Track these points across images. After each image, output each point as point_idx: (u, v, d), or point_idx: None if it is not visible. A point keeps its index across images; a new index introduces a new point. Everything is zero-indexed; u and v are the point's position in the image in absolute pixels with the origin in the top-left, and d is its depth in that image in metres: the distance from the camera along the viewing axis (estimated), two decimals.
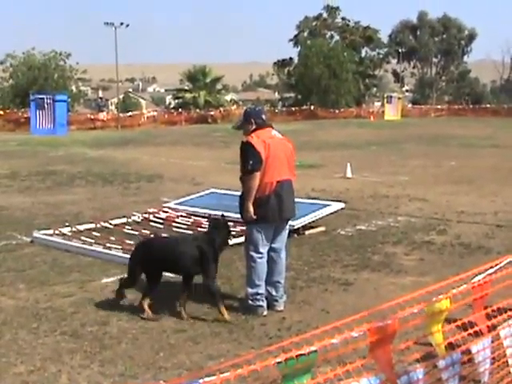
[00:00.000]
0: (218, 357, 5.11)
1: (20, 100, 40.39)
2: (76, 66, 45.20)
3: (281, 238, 6.35)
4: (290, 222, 6.81)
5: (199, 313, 6.12)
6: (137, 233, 9.31)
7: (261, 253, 6.17)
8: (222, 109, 47.79)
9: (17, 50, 43.11)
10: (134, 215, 10.44)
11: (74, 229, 9.46)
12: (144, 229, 9.52)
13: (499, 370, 4.02)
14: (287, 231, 6.51)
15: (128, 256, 7.82)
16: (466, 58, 75.45)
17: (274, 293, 6.30)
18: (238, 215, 6.36)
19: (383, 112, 49.81)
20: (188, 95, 53.59)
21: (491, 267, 4.80)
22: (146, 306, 6.00)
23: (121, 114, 43.11)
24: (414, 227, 10.01)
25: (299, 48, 61.27)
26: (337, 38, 64.30)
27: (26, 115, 35.94)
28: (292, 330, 5.66)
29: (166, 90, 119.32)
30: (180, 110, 47.18)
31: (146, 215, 10.47)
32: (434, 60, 75.21)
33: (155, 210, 10.69)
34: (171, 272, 6.40)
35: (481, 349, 3.75)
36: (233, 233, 6.81)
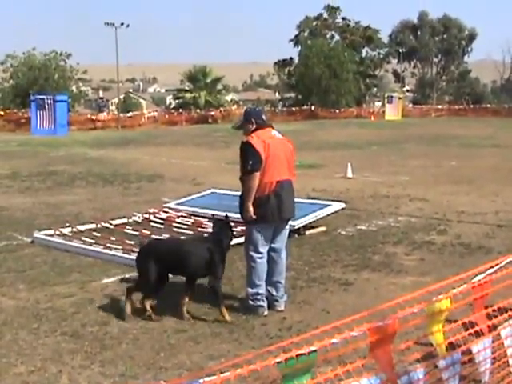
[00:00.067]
0: (218, 357, 5.12)
1: (20, 100, 40.42)
2: (76, 66, 45.22)
3: (281, 238, 6.35)
4: (290, 222, 6.81)
5: (200, 313, 6.13)
6: (137, 233, 9.31)
7: (261, 253, 6.18)
8: (222, 109, 47.82)
9: (17, 51, 43.16)
10: (135, 215, 10.44)
11: (74, 229, 9.47)
12: (144, 229, 9.52)
13: (500, 369, 4.02)
14: (287, 231, 6.51)
15: (127, 256, 7.89)
16: (466, 57, 75.49)
17: (274, 293, 6.30)
18: (238, 215, 6.36)
19: (384, 112, 49.77)
20: (188, 95, 53.60)
21: (491, 267, 4.80)
22: (148, 307, 5.99)
23: (121, 115, 43.11)
24: (414, 227, 10.01)
25: (299, 48, 61.27)
26: (337, 38, 64.29)
27: (26, 115, 35.96)
28: (292, 330, 5.66)
29: (166, 91, 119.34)
30: (180, 110, 47.18)
31: (147, 215, 10.47)
32: (435, 60, 75.21)
33: (156, 210, 10.69)
34: (179, 274, 6.36)
35: (481, 349, 3.75)
36: (234, 233, 6.81)
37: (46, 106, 33.69)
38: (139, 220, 10.29)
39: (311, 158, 19.12)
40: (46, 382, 4.77)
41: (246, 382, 3.39)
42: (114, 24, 42.85)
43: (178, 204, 11.01)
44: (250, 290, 6.21)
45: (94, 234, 9.26)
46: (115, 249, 8.31)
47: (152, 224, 10.01)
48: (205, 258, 5.99)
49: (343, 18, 65.29)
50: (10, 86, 43.13)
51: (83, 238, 8.89)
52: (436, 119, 48.59)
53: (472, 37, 73.63)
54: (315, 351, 2.79)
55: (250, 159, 6.02)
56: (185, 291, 6.12)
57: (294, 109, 50.62)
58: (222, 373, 2.58)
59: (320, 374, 2.92)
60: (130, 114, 45.81)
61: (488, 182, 14.71)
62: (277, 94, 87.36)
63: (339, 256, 8.27)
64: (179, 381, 3.66)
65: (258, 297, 6.17)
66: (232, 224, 6.51)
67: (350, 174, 15.69)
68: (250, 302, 6.20)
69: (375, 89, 70.40)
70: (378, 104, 64.65)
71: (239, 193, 6.33)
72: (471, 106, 57.95)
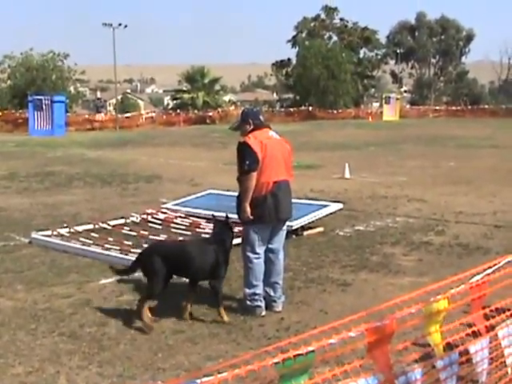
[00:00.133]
0: (216, 357, 5.12)
1: (18, 101, 40.42)
2: (74, 66, 45.22)
3: (278, 238, 6.35)
4: (288, 223, 6.81)
5: (198, 314, 6.12)
6: (135, 234, 9.31)
7: (257, 253, 6.18)
8: (220, 109, 47.84)
9: (15, 51, 43.21)
10: (133, 216, 10.43)
11: (72, 230, 9.46)
12: (142, 229, 9.52)
13: (497, 370, 4.03)
14: (285, 232, 6.51)
15: (125, 256, 7.89)
16: (464, 58, 75.69)
17: (272, 293, 6.30)
18: (236, 216, 6.36)
19: (381, 113, 49.82)
20: (186, 96, 53.63)
21: (489, 267, 4.80)
22: (145, 309, 5.95)
23: (119, 115, 43.09)
24: (412, 228, 10.02)
25: (297, 49, 61.33)
26: (335, 38, 64.39)
27: (24, 116, 35.94)
28: (290, 331, 5.66)
29: (164, 91, 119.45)
30: (178, 110, 47.19)
31: (145, 216, 10.47)
32: (432, 61, 75.32)
33: (154, 211, 10.69)
34: (183, 275, 6.34)
35: (479, 349, 3.75)
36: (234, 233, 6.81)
37: (44, 106, 33.68)
38: (137, 221, 10.28)
39: (309, 158, 19.13)
40: (43, 382, 4.76)
41: (243, 383, 3.38)
42: (111, 24, 42.85)
43: (175, 205, 11.01)
44: (248, 290, 6.21)
45: (92, 234, 9.25)
46: (113, 249, 8.31)
47: (150, 225, 10.01)
48: (210, 259, 5.99)
49: (341, 19, 65.41)
50: (8, 87, 43.13)
51: (81, 239, 8.89)
52: (434, 120, 48.63)
53: (470, 37, 73.78)
54: (313, 351, 2.79)
55: (246, 159, 6.02)
56: (189, 291, 6.12)
57: (291, 109, 50.65)
58: (219, 373, 2.58)
59: (318, 375, 2.92)
60: (127, 114, 45.80)
61: (486, 183, 14.72)
62: (275, 94, 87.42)
63: (337, 257, 8.27)
64: (177, 381, 3.66)
65: (256, 297, 6.17)
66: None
67: (347, 175, 15.70)
68: (248, 302, 6.20)
69: (373, 89, 70.49)
70: (376, 105, 64.74)
71: (237, 193, 6.33)
72: (469, 106, 58.02)
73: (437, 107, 58.35)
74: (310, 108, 49.69)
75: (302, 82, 55.93)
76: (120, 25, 43.17)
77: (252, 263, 6.18)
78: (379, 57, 67.79)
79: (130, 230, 9.56)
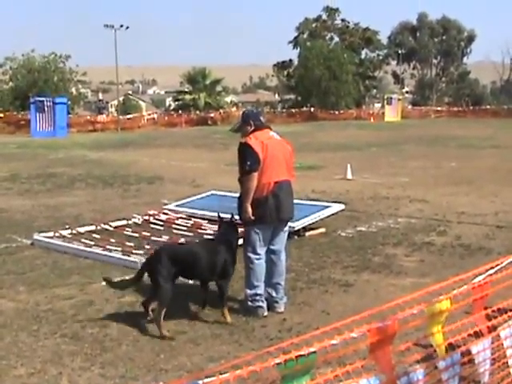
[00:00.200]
0: (218, 358, 5.12)
1: (20, 102, 40.49)
2: (76, 68, 45.31)
3: (280, 239, 6.35)
4: (290, 224, 6.81)
5: (200, 315, 6.12)
6: (137, 235, 9.32)
7: (258, 254, 6.18)
8: (221, 111, 47.86)
9: (16, 52, 43.26)
10: (135, 217, 10.44)
11: (74, 231, 9.47)
12: (144, 231, 9.53)
13: (499, 370, 4.02)
14: (287, 233, 6.51)
15: (127, 258, 7.89)
16: (465, 59, 75.61)
17: (274, 294, 6.30)
18: (237, 217, 6.36)
19: (383, 113, 49.78)
20: (188, 97, 53.66)
21: (491, 268, 4.80)
22: (150, 311, 5.95)
23: (121, 116, 43.14)
24: (414, 228, 10.01)
25: (299, 50, 61.34)
26: (336, 39, 64.39)
27: (25, 118, 36.00)
28: (292, 332, 5.66)
29: (166, 92, 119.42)
30: (180, 111, 47.22)
31: (147, 217, 10.48)
32: (434, 61, 75.29)
33: (155, 212, 10.70)
34: (192, 278, 6.34)
35: (481, 349, 3.75)
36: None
37: (46, 108, 33.73)
38: (139, 222, 10.29)
39: (311, 159, 19.14)
40: None
41: None
42: (113, 26, 42.90)
43: (177, 206, 11.02)
44: (249, 291, 6.21)
45: (94, 235, 9.25)
46: (115, 251, 8.31)
47: (152, 226, 10.01)
48: (218, 259, 5.99)
49: (342, 20, 65.40)
50: (10, 89, 43.19)
51: (83, 240, 8.89)
52: (435, 120, 48.59)
53: (471, 38, 73.73)
54: (314, 352, 2.79)
55: (248, 159, 6.03)
56: (204, 295, 6.13)
57: (293, 110, 50.65)
58: (221, 374, 2.58)
59: (320, 375, 2.92)
60: (129, 115, 45.86)
61: (487, 183, 14.71)
62: (276, 95, 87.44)
63: (339, 257, 8.27)
64: (179, 382, 3.66)
65: (257, 298, 6.17)
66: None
67: (349, 176, 15.70)
68: (249, 303, 6.20)
69: (375, 90, 70.48)
70: (378, 105, 64.73)
71: (238, 194, 6.33)
72: (470, 107, 57.99)
73: (438, 108, 58.31)
74: (312, 109, 49.68)
75: (304, 82, 55.94)
76: (121, 26, 43.24)
77: (253, 264, 6.18)
78: (381, 57, 67.78)
79: (132, 232, 9.56)
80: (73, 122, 38.14)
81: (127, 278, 6.48)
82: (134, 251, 8.24)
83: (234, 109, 52.38)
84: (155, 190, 14.21)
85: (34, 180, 15.95)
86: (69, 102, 38.51)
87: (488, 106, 57.34)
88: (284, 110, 53.73)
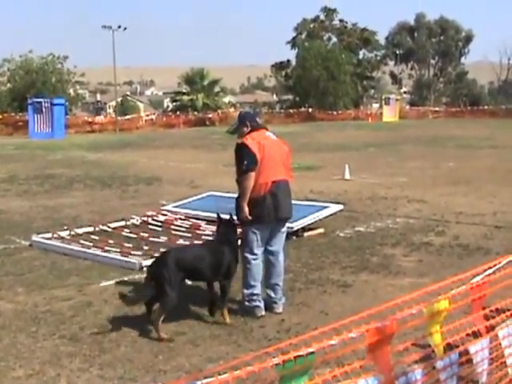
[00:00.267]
0: (217, 359, 5.12)
1: (18, 104, 40.52)
2: (74, 69, 45.38)
3: (278, 240, 6.35)
4: (288, 224, 6.82)
5: (198, 315, 6.13)
6: (135, 236, 9.32)
7: (255, 254, 6.18)
8: (219, 111, 47.90)
9: (14, 53, 43.36)
10: (133, 218, 10.44)
11: (72, 232, 9.46)
12: (143, 232, 9.53)
13: (497, 370, 4.03)
14: (285, 234, 6.51)
15: (126, 259, 7.89)
16: (463, 59, 75.81)
17: (272, 295, 6.30)
18: (235, 217, 6.35)
19: (381, 114, 49.85)
20: (186, 98, 53.70)
21: (490, 268, 4.80)
22: (152, 312, 5.87)
23: (119, 117, 43.15)
24: (412, 228, 10.02)
25: (297, 50, 61.40)
26: (334, 40, 64.50)
27: (23, 119, 36.00)
28: (291, 332, 5.66)
29: (164, 93, 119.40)
30: (178, 112, 47.27)
31: (145, 218, 10.48)
32: (432, 61, 75.40)
33: (154, 213, 10.70)
34: (198, 280, 6.33)
35: (479, 349, 3.76)
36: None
37: (44, 109, 33.74)
38: (137, 223, 10.29)
39: (309, 159, 19.15)
40: None
41: None
42: (111, 27, 42.98)
43: (175, 207, 11.02)
44: (246, 291, 6.21)
45: (92, 237, 9.25)
46: (113, 252, 8.31)
47: (150, 227, 10.01)
48: (223, 259, 6.00)
49: (340, 20, 65.52)
50: (8, 90, 43.24)
51: (81, 241, 8.89)
52: (433, 121, 48.66)
53: (469, 38, 73.86)
54: (313, 353, 2.79)
55: (244, 159, 6.04)
56: (214, 297, 6.10)
57: (291, 111, 50.73)
58: (220, 375, 2.59)
59: (318, 376, 2.92)
60: (127, 116, 45.89)
61: (485, 183, 14.73)
62: (274, 96, 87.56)
63: (337, 258, 8.27)
64: (178, 383, 3.66)
65: (254, 297, 6.17)
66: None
67: (347, 176, 15.71)
68: (246, 302, 6.20)
69: (372, 90, 70.60)
70: (376, 106, 64.78)
71: (236, 195, 6.33)
72: (468, 107, 58.06)
73: (436, 108, 58.43)
74: (310, 109, 49.75)
75: (302, 83, 56.01)
76: (119, 27, 43.30)
77: (250, 264, 6.18)
78: (379, 58, 67.89)
79: (131, 233, 9.56)
80: (71, 123, 38.17)
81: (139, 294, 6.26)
82: (132, 252, 8.24)
83: (232, 109, 52.42)
84: (153, 191, 14.21)
85: (32, 181, 15.95)
86: (67, 103, 38.52)
87: (486, 107, 57.43)
88: (282, 111, 53.81)
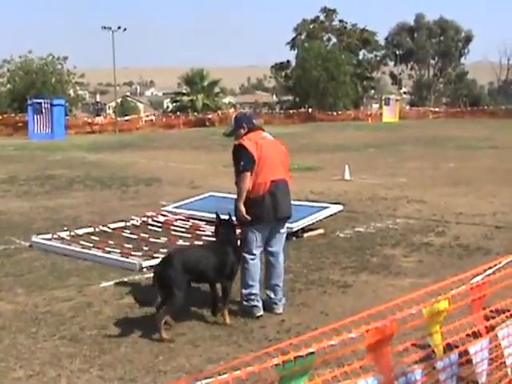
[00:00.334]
0: (217, 360, 5.12)
1: (17, 105, 40.52)
2: (73, 69, 45.37)
3: (278, 241, 6.35)
4: (288, 225, 6.82)
5: (198, 316, 6.13)
6: (135, 236, 9.32)
7: (254, 254, 6.18)
8: (219, 112, 47.88)
9: (13, 54, 43.39)
10: (133, 219, 10.44)
11: (72, 233, 9.46)
12: (143, 232, 9.53)
13: (497, 370, 4.03)
14: (285, 235, 6.51)
15: (126, 259, 7.89)
16: (463, 59, 75.85)
17: (272, 296, 6.30)
18: (234, 218, 6.36)
19: (381, 114, 49.84)
20: (186, 98, 53.70)
21: (490, 268, 4.81)
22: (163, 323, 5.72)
23: (119, 118, 43.14)
24: (412, 229, 10.02)
25: (297, 51, 61.42)
26: (334, 40, 64.54)
27: (23, 120, 36.00)
28: (291, 333, 5.66)
29: (163, 94, 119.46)
30: (178, 113, 47.26)
31: (145, 219, 10.48)
32: (432, 62, 75.44)
33: (154, 214, 10.70)
34: (204, 282, 6.29)
35: (479, 350, 3.76)
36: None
37: (43, 110, 33.74)
38: (137, 223, 10.29)
39: (309, 160, 19.14)
40: None
41: None
42: (110, 28, 42.97)
43: (175, 207, 11.02)
44: (244, 290, 6.21)
45: (92, 237, 9.25)
46: (113, 252, 8.31)
47: (150, 227, 10.02)
48: (228, 261, 6.01)
49: (340, 21, 65.58)
50: (7, 91, 43.25)
51: (81, 242, 8.89)
52: (433, 121, 48.66)
53: (468, 38, 73.90)
54: (313, 353, 2.79)
55: (242, 160, 6.06)
56: (220, 298, 6.09)
57: (291, 111, 50.73)
58: (220, 375, 2.59)
59: (318, 376, 2.92)
60: (127, 117, 45.88)
61: (485, 183, 14.73)
62: (274, 96, 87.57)
63: (337, 258, 8.28)
64: None
65: (252, 297, 6.17)
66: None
67: (347, 177, 15.71)
68: (245, 302, 6.20)
69: (372, 91, 70.63)
70: (376, 106, 64.76)
71: (236, 196, 6.33)
72: (468, 107, 58.08)
73: (436, 108, 58.41)
74: (310, 110, 49.75)
75: (302, 83, 56.02)
76: (119, 28, 43.30)
77: (248, 264, 6.18)
78: (378, 58, 67.93)
79: (131, 233, 9.56)
80: (71, 124, 38.16)
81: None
82: (132, 253, 8.24)
83: (232, 110, 52.39)
84: (153, 192, 14.21)
85: (33, 182, 15.95)
86: (66, 104, 38.53)
87: (486, 107, 57.44)
88: (282, 111, 53.80)
